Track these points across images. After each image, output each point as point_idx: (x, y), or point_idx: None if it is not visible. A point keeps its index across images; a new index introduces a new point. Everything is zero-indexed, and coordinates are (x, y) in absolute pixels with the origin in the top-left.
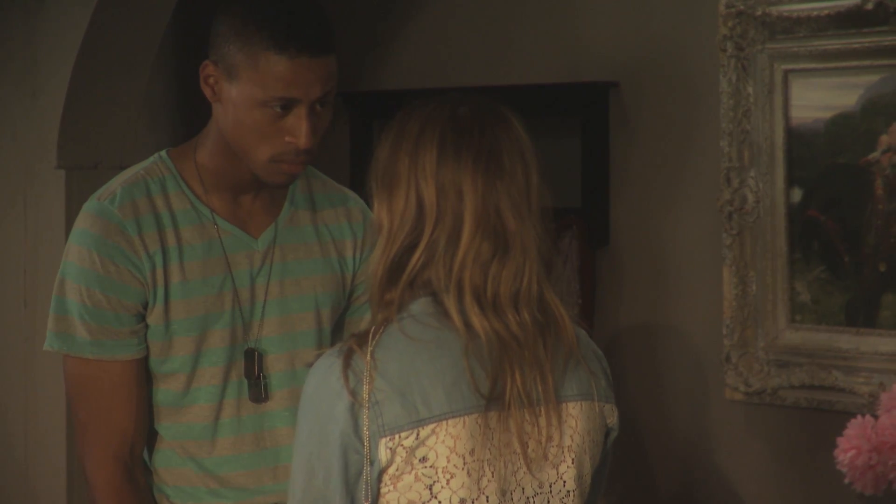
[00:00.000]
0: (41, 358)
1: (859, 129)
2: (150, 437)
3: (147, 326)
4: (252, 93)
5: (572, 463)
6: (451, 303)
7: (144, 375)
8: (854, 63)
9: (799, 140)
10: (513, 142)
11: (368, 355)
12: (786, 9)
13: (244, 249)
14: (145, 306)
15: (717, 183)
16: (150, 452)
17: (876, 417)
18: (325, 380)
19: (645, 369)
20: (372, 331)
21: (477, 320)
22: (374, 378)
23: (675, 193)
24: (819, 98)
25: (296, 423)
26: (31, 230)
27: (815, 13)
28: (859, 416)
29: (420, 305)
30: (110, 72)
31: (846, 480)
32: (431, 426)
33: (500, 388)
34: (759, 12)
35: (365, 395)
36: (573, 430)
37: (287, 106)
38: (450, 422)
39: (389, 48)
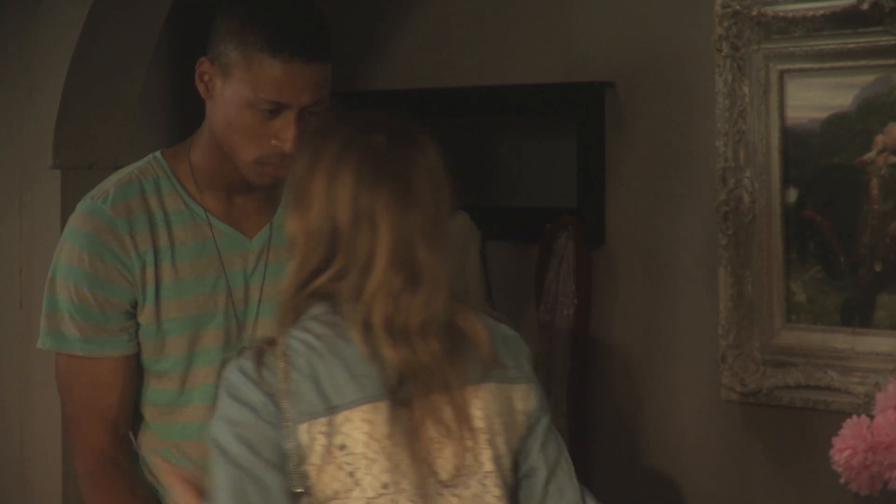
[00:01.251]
0: (37, 358)
1: (855, 129)
2: (146, 436)
3: (138, 324)
4: (243, 93)
5: (486, 444)
6: (355, 333)
7: (136, 369)
8: (850, 63)
9: (794, 140)
10: (427, 170)
11: (279, 352)
12: (781, 9)
13: (238, 249)
14: (134, 305)
15: (712, 183)
16: (145, 451)
17: (872, 417)
18: (240, 378)
19: (640, 370)
20: (278, 333)
21: (387, 351)
22: (289, 371)
23: (671, 193)
24: (815, 98)
25: (212, 427)
26: (26, 230)
27: (811, 13)
28: (855, 417)
29: (321, 307)
30: (106, 72)
31: (842, 480)
32: (345, 413)
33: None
34: (754, 12)
35: (281, 386)
36: (481, 411)
37: (276, 110)
38: (362, 407)
39: (385, 48)
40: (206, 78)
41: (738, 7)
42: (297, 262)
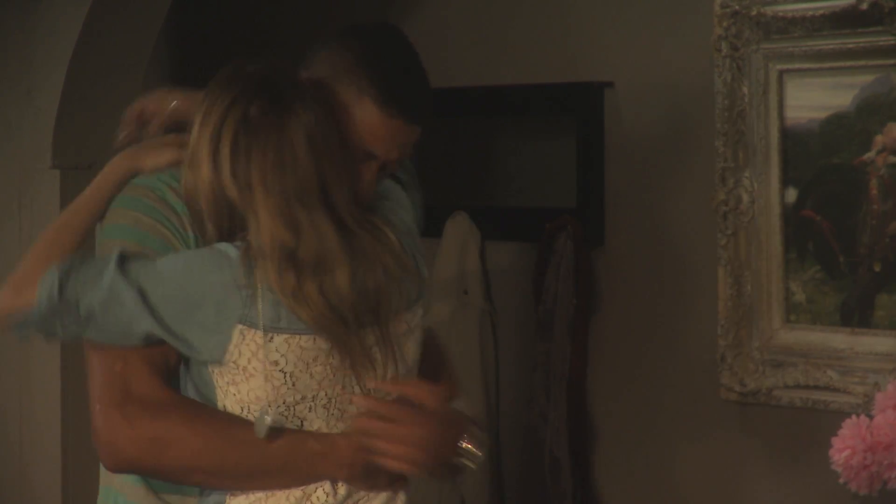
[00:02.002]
0: (36, 359)
1: (854, 129)
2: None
3: None
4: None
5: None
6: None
7: None
8: (849, 63)
9: (794, 140)
10: (302, 135)
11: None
12: (781, 9)
13: None
14: None
15: (712, 183)
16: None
17: (871, 417)
18: (224, 252)
19: (639, 369)
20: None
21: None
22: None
23: (671, 193)
24: (814, 98)
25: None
26: (25, 231)
27: (810, 13)
28: (854, 416)
29: None
30: (106, 71)
31: (841, 480)
32: (285, 336)
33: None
34: (754, 12)
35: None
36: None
37: (361, 155)
38: (302, 336)
39: None
40: None
41: (737, 7)
42: (205, 214)
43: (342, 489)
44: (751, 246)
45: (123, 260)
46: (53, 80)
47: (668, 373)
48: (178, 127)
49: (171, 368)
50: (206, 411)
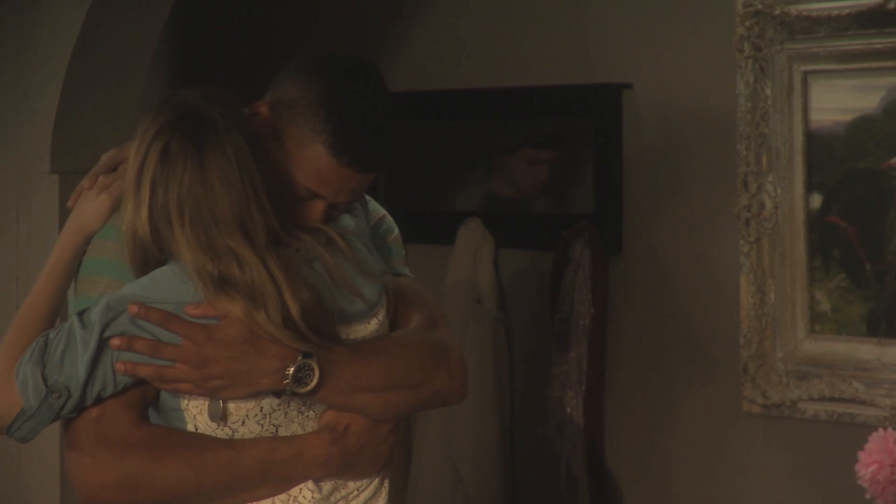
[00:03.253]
0: None
1: (881, 132)
2: None
3: None
4: (285, 163)
5: None
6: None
7: None
8: (875, 64)
9: (818, 144)
10: (217, 168)
11: None
12: (805, 8)
13: None
14: None
15: (733, 188)
16: None
17: None
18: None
19: (659, 381)
20: None
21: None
22: None
23: (691, 199)
24: (839, 100)
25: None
26: (23, 237)
27: (836, 12)
28: (881, 430)
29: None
30: (106, 73)
31: (867, 496)
32: None
33: None
34: (777, 11)
35: None
36: None
37: (309, 195)
38: None
39: (397, 49)
40: (259, 119)
41: (760, 6)
42: (126, 254)
43: (327, 485)
44: (774, 253)
45: (93, 319)
46: (52, 82)
47: (688, 385)
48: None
49: (148, 402)
50: (175, 441)
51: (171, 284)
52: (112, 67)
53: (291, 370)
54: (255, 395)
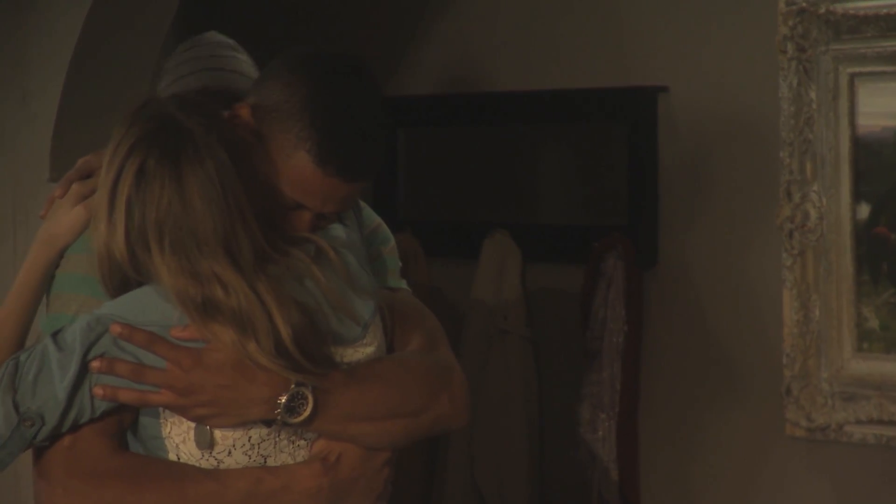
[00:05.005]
0: None
1: None
2: None
3: None
4: (268, 171)
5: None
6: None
7: None
8: None
9: (866, 150)
10: (197, 183)
11: None
12: (852, 6)
13: None
14: None
15: (776, 198)
16: None
17: None
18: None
19: (697, 403)
20: None
21: None
22: None
23: (731, 209)
24: (888, 104)
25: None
26: (20, 249)
27: (884, 11)
28: None
29: None
30: (107, 77)
31: None
32: None
33: None
34: (822, 10)
35: None
36: None
37: (294, 206)
38: None
39: (420, 49)
40: (240, 123)
41: (804, 4)
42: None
43: None
44: (819, 267)
45: (71, 341)
46: (51, 85)
47: (728, 407)
48: None
49: (124, 429)
50: (155, 471)
51: (156, 305)
52: (114, 70)
53: (284, 399)
54: (244, 423)
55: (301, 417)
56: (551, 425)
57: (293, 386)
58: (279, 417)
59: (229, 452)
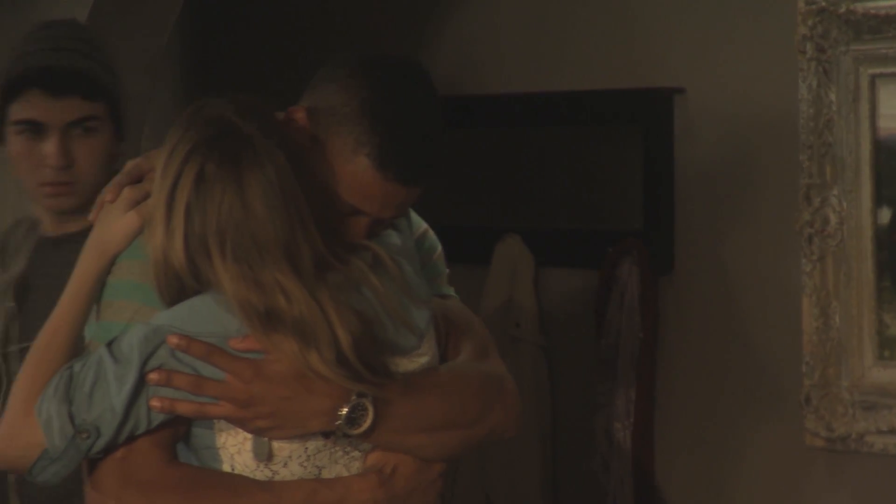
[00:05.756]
0: None
1: None
2: None
3: None
4: (325, 175)
5: None
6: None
7: None
8: None
9: (888, 153)
10: (259, 188)
11: None
12: (873, 6)
13: None
14: None
15: (795, 202)
16: None
17: None
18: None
19: (713, 412)
20: None
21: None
22: None
23: (748, 213)
24: None
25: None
26: None
27: None
28: None
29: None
30: None
31: None
32: None
33: None
34: (842, 9)
35: None
36: None
37: (351, 211)
38: None
39: (431, 51)
40: (296, 127)
41: (823, 3)
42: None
43: None
44: (839, 273)
45: (128, 352)
46: None
47: (746, 416)
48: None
49: (178, 439)
50: (210, 483)
51: (214, 314)
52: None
53: (345, 411)
54: (303, 435)
55: (361, 429)
56: (565, 435)
57: (354, 397)
58: (339, 429)
59: (285, 464)
